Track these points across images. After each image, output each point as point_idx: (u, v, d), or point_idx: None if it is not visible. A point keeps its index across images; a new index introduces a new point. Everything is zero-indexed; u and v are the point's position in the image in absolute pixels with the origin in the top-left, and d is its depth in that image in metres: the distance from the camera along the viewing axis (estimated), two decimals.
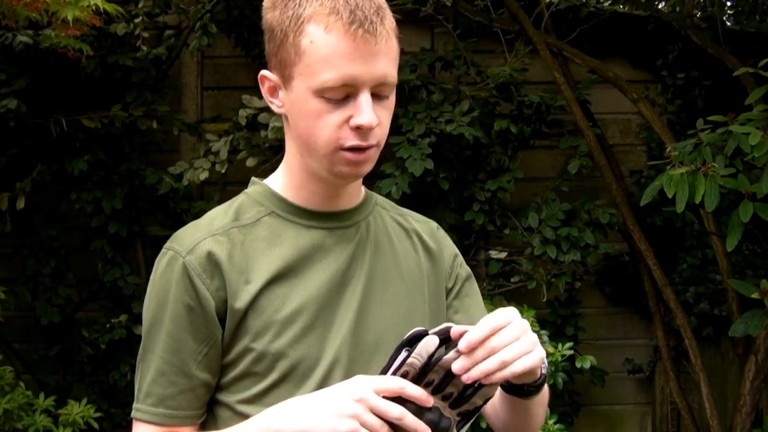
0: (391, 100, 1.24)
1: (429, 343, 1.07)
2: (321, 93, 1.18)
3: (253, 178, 1.38)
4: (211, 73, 4.13)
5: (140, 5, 3.58)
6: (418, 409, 1.10)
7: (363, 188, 1.39)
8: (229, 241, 1.26)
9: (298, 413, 1.16)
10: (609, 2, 4.56)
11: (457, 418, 1.14)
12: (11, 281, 3.79)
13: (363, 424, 1.10)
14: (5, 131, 3.60)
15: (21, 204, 3.59)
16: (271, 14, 1.23)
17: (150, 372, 1.25)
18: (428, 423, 1.10)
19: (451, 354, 1.08)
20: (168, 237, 1.30)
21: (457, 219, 3.68)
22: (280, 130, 3.24)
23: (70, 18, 2.73)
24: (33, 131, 3.65)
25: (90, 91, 3.74)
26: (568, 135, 3.77)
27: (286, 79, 1.23)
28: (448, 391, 1.10)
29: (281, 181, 1.33)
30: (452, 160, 3.70)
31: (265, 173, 1.40)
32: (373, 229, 1.36)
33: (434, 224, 1.47)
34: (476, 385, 1.09)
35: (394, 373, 1.10)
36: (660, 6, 4.65)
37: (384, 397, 1.11)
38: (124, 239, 3.85)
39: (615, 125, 4.18)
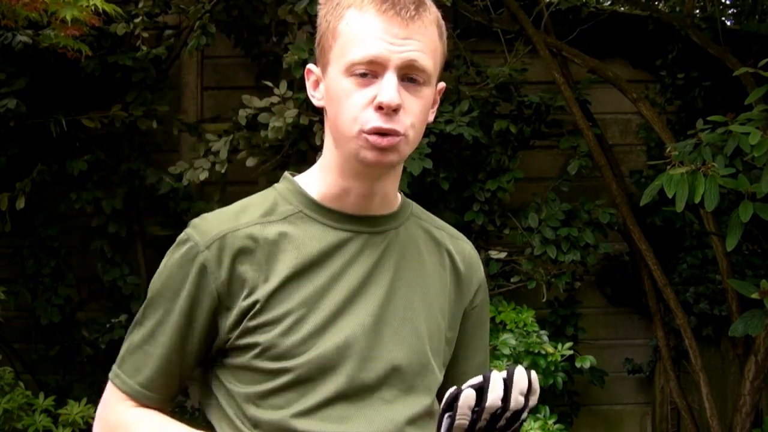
0: (425, 91, 1.25)
1: (468, 398, 1.10)
2: (350, 70, 1.21)
3: (286, 173, 1.37)
4: (211, 73, 4.13)
5: (140, 5, 3.57)
6: None
7: (400, 196, 1.39)
8: (251, 238, 1.25)
9: None
10: (609, 2, 4.56)
11: None
12: (11, 281, 3.79)
13: None
14: (5, 131, 3.60)
15: (21, 204, 3.59)
16: (323, 9, 1.28)
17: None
18: None
19: (493, 397, 1.11)
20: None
21: (457, 219, 3.68)
22: (280, 130, 3.23)
23: (68, 18, 2.73)
24: (33, 131, 3.65)
25: (90, 91, 3.74)
26: (567, 135, 3.77)
27: (324, 67, 1.26)
28: (498, 425, 1.14)
29: (314, 179, 1.32)
30: (452, 160, 3.70)
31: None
32: (403, 239, 1.34)
33: (468, 245, 1.47)
34: (524, 407, 1.13)
35: None
36: (660, 6, 4.65)
37: None
38: (124, 239, 3.85)
39: (615, 125, 4.18)
